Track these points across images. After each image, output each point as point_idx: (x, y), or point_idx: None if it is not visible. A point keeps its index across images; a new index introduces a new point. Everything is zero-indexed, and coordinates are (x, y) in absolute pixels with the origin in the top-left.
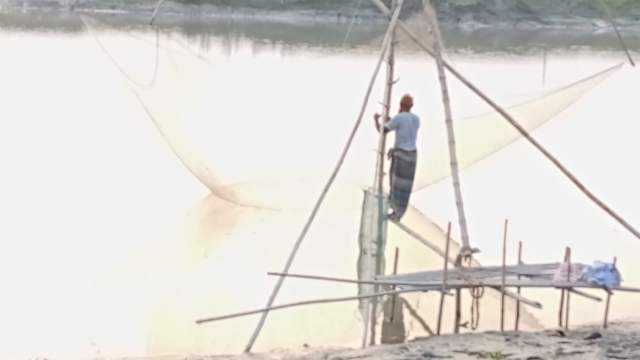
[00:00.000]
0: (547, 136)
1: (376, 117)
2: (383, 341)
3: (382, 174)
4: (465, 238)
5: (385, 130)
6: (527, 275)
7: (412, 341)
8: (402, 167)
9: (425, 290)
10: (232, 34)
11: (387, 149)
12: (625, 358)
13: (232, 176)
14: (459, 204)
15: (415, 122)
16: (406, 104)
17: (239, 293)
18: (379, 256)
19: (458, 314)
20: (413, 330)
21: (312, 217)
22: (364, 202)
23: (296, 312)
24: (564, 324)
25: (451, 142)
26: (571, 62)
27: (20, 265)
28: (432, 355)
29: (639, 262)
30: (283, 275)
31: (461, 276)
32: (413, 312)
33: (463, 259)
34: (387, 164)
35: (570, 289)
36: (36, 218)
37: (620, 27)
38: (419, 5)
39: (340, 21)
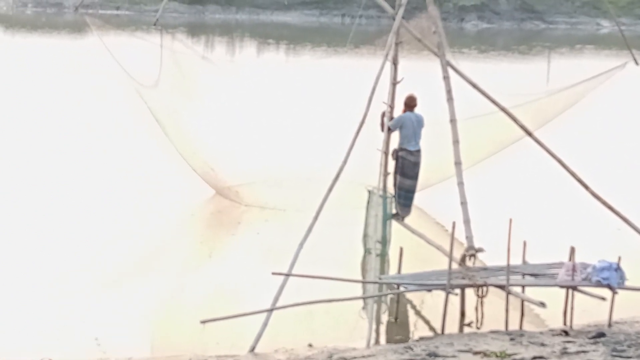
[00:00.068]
0: (552, 136)
1: (383, 115)
2: (387, 341)
3: (386, 174)
4: (469, 238)
5: (389, 130)
6: (531, 275)
7: (417, 341)
8: (407, 167)
9: (429, 290)
10: (236, 34)
11: (391, 149)
12: (630, 357)
13: (237, 176)
14: (463, 203)
15: (419, 122)
16: (410, 104)
17: (243, 293)
18: (383, 256)
19: (462, 314)
20: (417, 330)
21: (316, 217)
22: (368, 202)
23: (300, 312)
24: (568, 323)
25: (455, 141)
26: (575, 61)
27: (25, 266)
28: (436, 355)
29: None
30: (287, 275)
31: (465, 276)
32: (417, 312)
33: (467, 258)
34: (391, 163)
35: (574, 288)
36: (41, 218)
37: (624, 27)
38: (423, 5)
39: (344, 21)
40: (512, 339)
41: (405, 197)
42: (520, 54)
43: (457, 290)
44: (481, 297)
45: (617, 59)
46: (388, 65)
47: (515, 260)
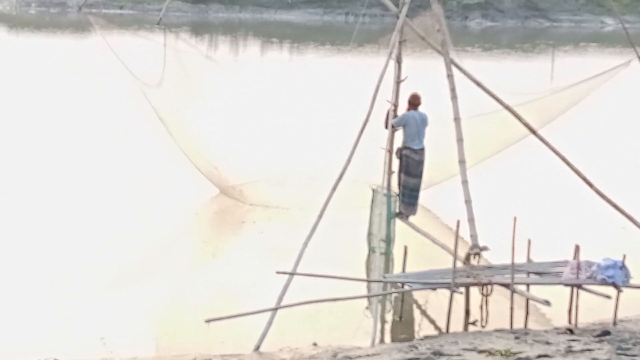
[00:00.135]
0: (556, 134)
1: (388, 114)
2: (392, 340)
3: (390, 172)
4: (474, 236)
5: (392, 127)
6: (536, 273)
7: (421, 339)
8: (411, 165)
9: (434, 289)
10: (239, 33)
11: (395, 148)
12: (635, 355)
13: (241, 175)
14: (468, 202)
15: (423, 121)
16: (414, 102)
17: (247, 292)
18: (387, 255)
19: (467, 312)
20: (422, 328)
21: (320, 216)
22: (373, 201)
23: (305, 311)
24: (573, 321)
25: (459, 140)
26: (579, 59)
27: (31, 266)
28: (441, 354)
29: None
30: (292, 274)
31: (470, 274)
32: (422, 311)
33: (472, 257)
34: (396, 162)
35: (579, 286)
36: (45, 218)
37: (628, 25)
38: (426, 4)
39: (347, 20)
40: (516, 338)
41: (410, 195)
42: (524, 52)
43: (462, 289)
44: (486, 295)
45: (621, 57)
46: (392, 63)
47: (520, 259)
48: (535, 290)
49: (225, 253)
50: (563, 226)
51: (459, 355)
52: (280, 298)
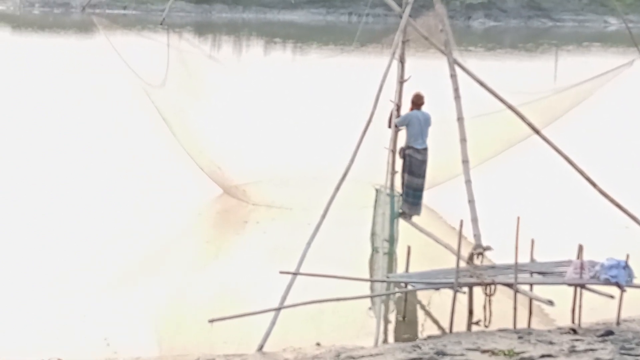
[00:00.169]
0: (559, 133)
1: (392, 113)
2: (395, 339)
3: (393, 172)
4: (477, 236)
5: (395, 127)
6: (539, 273)
7: (425, 339)
8: (414, 165)
9: (437, 289)
10: (243, 33)
11: (398, 148)
12: (639, 355)
13: (244, 175)
14: (471, 201)
15: (426, 121)
16: (417, 102)
17: (250, 292)
18: (391, 254)
19: (470, 312)
20: (425, 328)
21: (323, 216)
22: (376, 201)
23: (308, 311)
24: (576, 321)
25: (463, 140)
26: (582, 59)
27: (35, 265)
28: (444, 354)
29: None
30: (295, 274)
31: (473, 274)
32: (425, 311)
33: (475, 256)
34: (399, 162)
35: (582, 286)
36: (48, 217)
37: (631, 24)
38: (430, 4)
39: (351, 20)
40: (520, 337)
41: (413, 195)
42: (527, 51)
43: (465, 289)
44: (489, 295)
45: (625, 57)
46: (395, 63)
47: (523, 259)
48: (539, 290)
49: (229, 253)
50: (566, 226)
51: (462, 355)
52: (284, 298)
